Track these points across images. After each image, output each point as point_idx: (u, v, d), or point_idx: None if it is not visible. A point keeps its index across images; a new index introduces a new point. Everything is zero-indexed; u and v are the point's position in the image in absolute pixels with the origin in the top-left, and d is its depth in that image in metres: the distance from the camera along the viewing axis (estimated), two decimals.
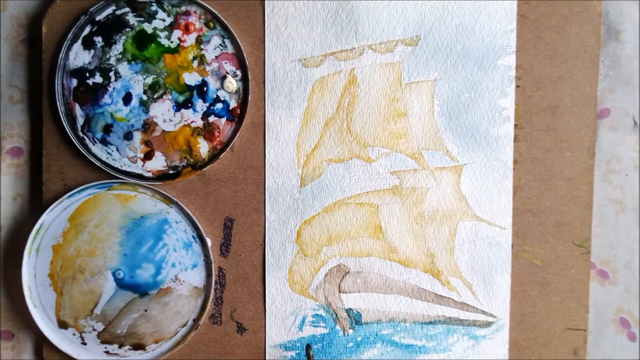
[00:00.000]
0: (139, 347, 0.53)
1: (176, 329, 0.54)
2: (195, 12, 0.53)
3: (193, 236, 0.54)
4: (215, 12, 0.53)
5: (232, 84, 0.53)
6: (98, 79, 0.53)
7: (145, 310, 0.53)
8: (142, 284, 0.53)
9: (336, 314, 0.55)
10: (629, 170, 0.56)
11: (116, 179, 0.53)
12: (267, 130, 0.54)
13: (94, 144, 0.53)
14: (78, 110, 0.53)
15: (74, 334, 0.53)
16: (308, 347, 0.52)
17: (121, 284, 0.53)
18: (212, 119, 0.53)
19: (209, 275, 0.54)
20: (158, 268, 0.53)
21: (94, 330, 0.53)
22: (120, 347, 0.53)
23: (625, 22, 0.55)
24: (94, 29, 0.53)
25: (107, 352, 0.53)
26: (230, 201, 0.54)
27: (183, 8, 0.53)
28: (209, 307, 0.54)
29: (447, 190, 0.55)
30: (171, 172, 0.54)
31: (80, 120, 0.53)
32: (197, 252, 0.54)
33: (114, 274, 0.53)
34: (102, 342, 0.53)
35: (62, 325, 0.53)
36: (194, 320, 0.54)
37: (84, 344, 0.53)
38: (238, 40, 0.53)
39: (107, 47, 0.53)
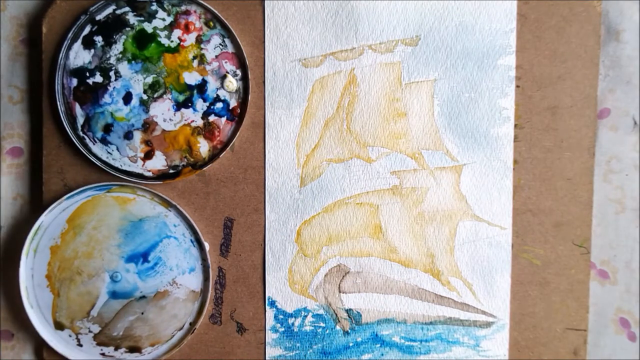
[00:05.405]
0: (135, 349, 0.50)
1: (172, 332, 0.50)
2: (195, 12, 0.49)
3: (191, 240, 0.50)
4: (215, 12, 0.49)
5: (232, 83, 0.50)
6: (98, 78, 0.49)
7: (142, 313, 0.50)
8: (139, 287, 0.50)
9: (336, 314, 0.51)
10: (629, 170, 0.52)
11: (116, 181, 0.50)
12: (267, 130, 0.51)
13: (94, 144, 0.50)
14: (78, 110, 0.50)
15: (70, 336, 0.50)
16: None
17: (118, 287, 0.49)
18: (212, 118, 0.50)
19: (206, 279, 0.51)
20: (155, 271, 0.50)
21: (90, 332, 0.50)
22: (116, 349, 0.50)
23: (625, 22, 0.51)
24: (94, 29, 0.49)
25: (103, 354, 0.50)
26: (230, 201, 0.51)
27: (183, 7, 0.49)
28: (206, 310, 0.51)
29: (447, 190, 0.51)
30: (171, 171, 0.50)
31: (80, 120, 0.50)
32: (195, 255, 0.50)
33: (111, 277, 0.50)
34: (98, 344, 0.50)
35: (59, 326, 0.50)
36: (190, 323, 0.51)
37: (80, 345, 0.50)
38: (238, 39, 0.49)
39: (107, 47, 0.49)
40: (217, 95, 0.50)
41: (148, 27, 0.49)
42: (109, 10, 0.49)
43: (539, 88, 0.51)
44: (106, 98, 0.49)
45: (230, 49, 0.50)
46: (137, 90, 0.49)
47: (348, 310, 0.52)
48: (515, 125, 0.51)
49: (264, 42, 0.50)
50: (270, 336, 0.52)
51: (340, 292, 0.52)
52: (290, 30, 0.50)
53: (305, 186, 0.51)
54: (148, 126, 0.50)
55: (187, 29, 0.49)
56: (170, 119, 0.50)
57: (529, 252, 0.52)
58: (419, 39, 0.51)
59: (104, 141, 0.50)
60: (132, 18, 0.49)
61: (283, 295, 0.51)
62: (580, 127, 0.51)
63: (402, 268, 0.52)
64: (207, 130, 0.50)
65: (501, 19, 0.50)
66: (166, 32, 0.49)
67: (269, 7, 0.50)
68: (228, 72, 0.50)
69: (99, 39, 0.49)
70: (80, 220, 0.49)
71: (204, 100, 0.50)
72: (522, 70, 0.51)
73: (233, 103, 0.50)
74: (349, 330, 0.52)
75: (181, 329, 0.50)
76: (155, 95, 0.50)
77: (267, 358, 0.52)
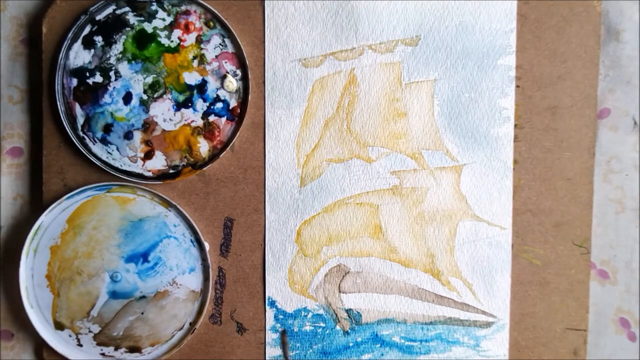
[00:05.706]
0: (135, 349, 0.49)
1: (172, 332, 0.50)
2: (195, 12, 0.49)
3: (191, 240, 0.50)
4: (215, 12, 0.49)
5: (232, 83, 0.49)
6: (98, 78, 0.49)
7: (142, 313, 0.49)
8: (139, 287, 0.49)
9: (336, 314, 0.51)
10: (629, 170, 0.51)
11: (116, 181, 0.50)
12: (267, 130, 0.50)
13: (94, 144, 0.49)
14: (78, 110, 0.49)
15: (70, 336, 0.49)
16: (284, 332, 0.48)
17: (118, 287, 0.49)
18: (212, 118, 0.49)
19: (206, 279, 0.50)
20: (155, 271, 0.49)
21: (90, 332, 0.49)
22: (116, 349, 0.49)
23: (625, 22, 0.51)
24: (94, 29, 0.49)
25: (103, 354, 0.50)
26: (230, 201, 0.50)
27: (183, 7, 0.49)
28: (206, 310, 0.50)
29: (447, 190, 0.51)
30: (171, 171, 0.50)
31: (80, 120, 0.49)
32: (195, 255, 0.50)
33: (111, 277, 0.49)
34: (98, 344, 0.49)
35: (59, 326, 0.49)
36: (190, 323, 0.50)
37: (80, 345, 0.49)
38: (238, 39, 0.49)
39: (107, 47, 0.49)
40: (217, 95, 0.49)
41: (148, 27, 0.49)
42: (109, 10, 0.49)
43: (539, 88, 0.50)
44: (106, 98, 0.49)
45: (230, 49, 0.49)
46: (137, 90, 0.49)
47: (348, 310, 0.51)
48: (515, 125, 0.51)
49: (264, 42, 0.50)
50: (270, 336, 0.51)
51: (340, 292, 0.51)
52: (290, 30, 0.50)
53: (305, 186, 0.51)
54: (148, 126, 0.49)
55: (187, 29, 0.49)
56: (170, 119, 0.49)
57: (529, 252, 0.51)
58: (419, 39, 0.50)
59: (104, 141, 0.49)
60: (132, 18, 0.49)
61: (283, 295, 0.51)
62: (580, 127, 0.51)
63: (402, 268, 0.51)
64: (207, 130, 0.49)
65: (501, 19, 0.50)
66: (166, 32, 0.49)
67: (269, 7, 0.50)
68: (228, 72, 0.49)
69: (99, 39, 0.49)
70: (80, 220, 0.49)
71: (204, 100, 0.49)
72: (522, 70, 0.50)
73: (233, 103, 0.50)
74: (349, 330, 0.51)
75: (181, 329, 0.50)
76: (155, 95, 0.49)
77: (267, 358, 0.51)
